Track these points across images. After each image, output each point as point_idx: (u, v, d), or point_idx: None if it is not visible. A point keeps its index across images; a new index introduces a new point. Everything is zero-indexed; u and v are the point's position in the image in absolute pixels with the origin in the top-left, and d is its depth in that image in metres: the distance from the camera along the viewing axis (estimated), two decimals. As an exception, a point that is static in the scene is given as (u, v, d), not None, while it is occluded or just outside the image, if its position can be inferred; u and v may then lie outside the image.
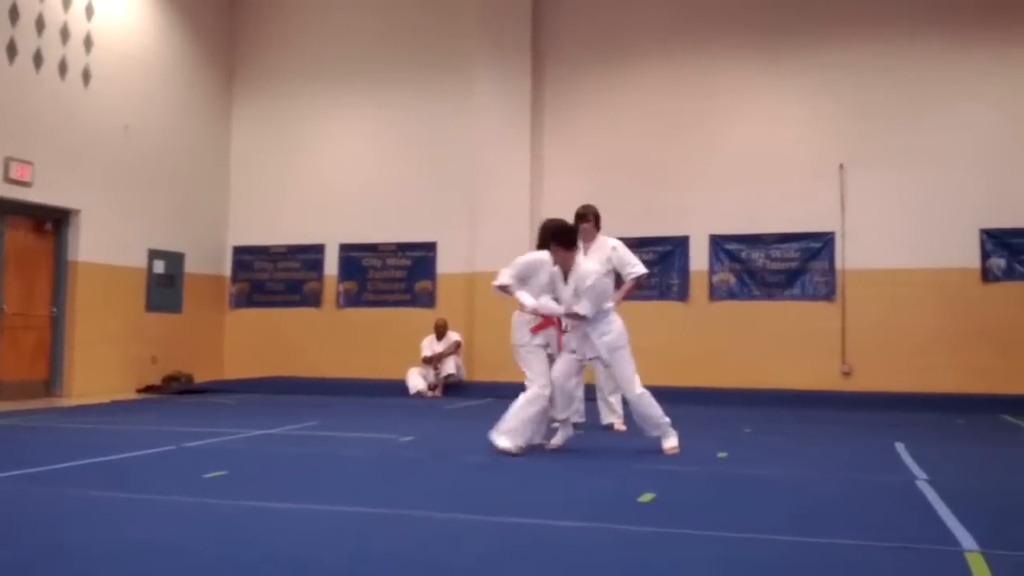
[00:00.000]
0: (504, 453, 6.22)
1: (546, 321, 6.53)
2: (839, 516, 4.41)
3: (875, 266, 11.81)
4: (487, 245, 12.88)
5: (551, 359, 6.60)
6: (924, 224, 11.68)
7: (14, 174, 10.72)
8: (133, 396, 11.84)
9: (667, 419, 6.43)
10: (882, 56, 12.05)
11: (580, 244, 7.92)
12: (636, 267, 7.88)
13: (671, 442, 6.41)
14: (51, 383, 11.59)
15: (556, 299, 6.50)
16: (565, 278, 6.39)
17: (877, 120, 11.97)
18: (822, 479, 5.45)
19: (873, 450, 6.84)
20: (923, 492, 4.96)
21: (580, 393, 8.03)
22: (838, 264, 11.99)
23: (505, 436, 6.28)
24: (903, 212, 11.78)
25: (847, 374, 11.84)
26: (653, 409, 6.39)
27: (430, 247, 13.56)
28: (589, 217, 7.90)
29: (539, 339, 6.61)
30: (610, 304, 6.55)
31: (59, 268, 11.73)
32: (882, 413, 9.82)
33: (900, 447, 6.85)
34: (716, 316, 12.39)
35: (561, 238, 6.38)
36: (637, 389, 6.37)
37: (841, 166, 12.01)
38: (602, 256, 7.84)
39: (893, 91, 11.95)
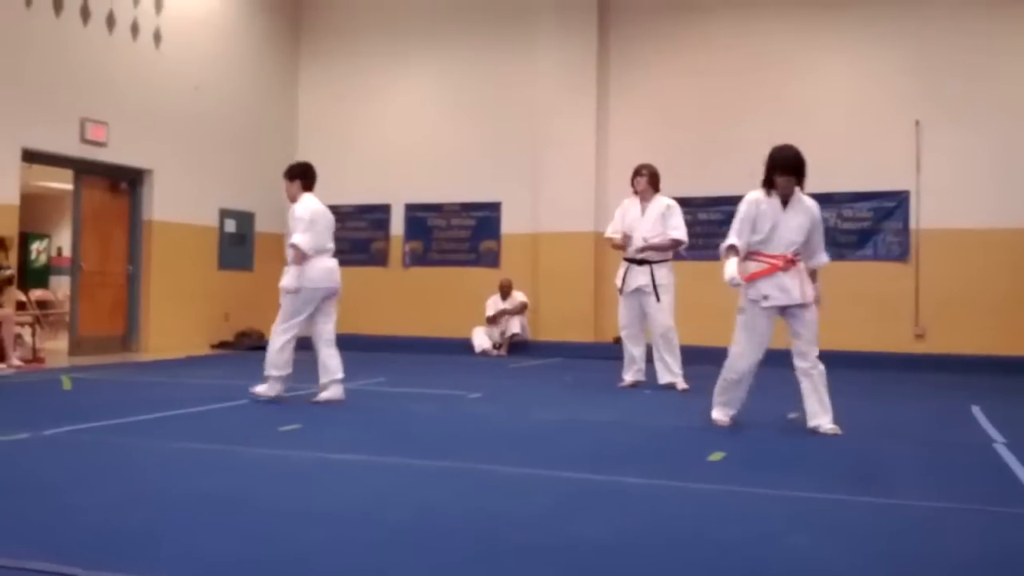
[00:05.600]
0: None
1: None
2: (914, 477, 4.35)
3: (951, 226, 11.46)
4: (551, 205, 12.85)
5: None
6: (1004, 182, 11.28)
7: (90, 134, 10.96)
8: (207, 352, 12.12)
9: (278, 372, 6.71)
10: (961, 7, 11.61)
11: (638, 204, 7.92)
12: (676, 231, 7.89)
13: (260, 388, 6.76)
14: (128, 339, 11.91)
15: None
16: None
17: (955, 75, 11.54)
18: (896, 441, 5.36)
19: (948, 412, 6.72)
20: (1001, 455, 4.85)
21: (639, 352, 8.03)
22: (912, 224, 11.67)
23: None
24: (981, 170, 11.39)
25: (920, 336, 11.58)
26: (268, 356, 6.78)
27: (495, 207, 13.55)
28: (643, 172, 7.94)
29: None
30: None
31: (134, 227, 12.00)
32: (956, 376, 9.61)
33: (976, 410, 6.70)
34: (785, 276, 12.15)
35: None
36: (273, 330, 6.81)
37: (917, 123, 11.65)
38: (656, 213, 7.88)
39: (972, 44, 11.50)
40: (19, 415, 5.93)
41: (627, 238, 7.94)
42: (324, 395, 6.75)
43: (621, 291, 7.94)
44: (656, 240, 7.81)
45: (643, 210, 7.93)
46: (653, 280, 7.76)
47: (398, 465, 4.41)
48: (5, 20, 10.11)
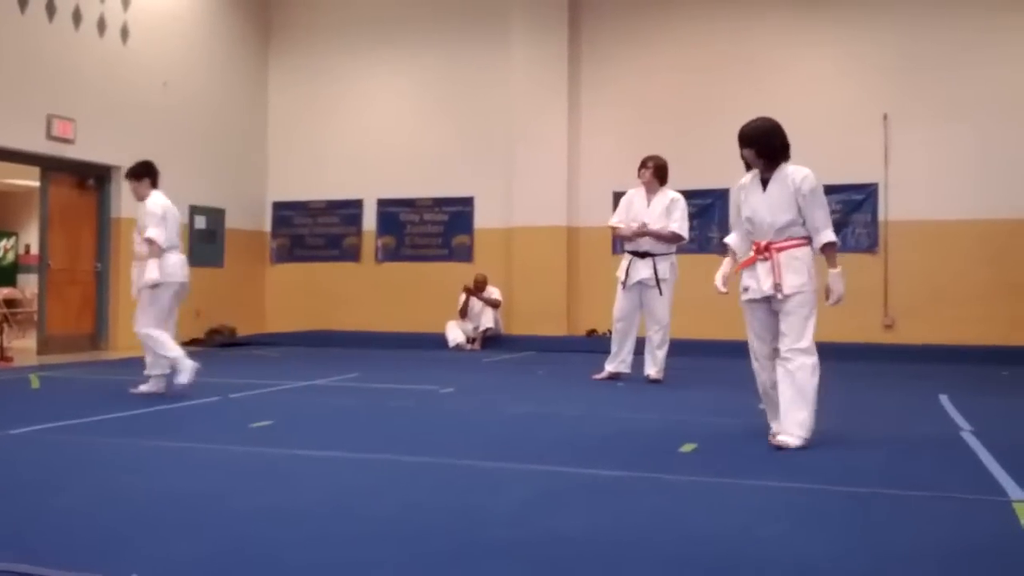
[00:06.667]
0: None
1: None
2: (884, 466, 4.39)
3: (919, 218, 11.60)
4: (524, 200, 12.87)
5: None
6: (971, 174, 11.43)
7: (56, 131, 10.82)
8: (177, 350, 12.00)
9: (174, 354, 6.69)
10: (929, 3, 11.72)
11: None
12: (675, 224, 7.88)
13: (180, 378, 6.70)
14: (97, 337, 11.79)
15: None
16: None
17: (923, 69, 11.67)
18: (865, 430, 5.42)
19: (917, 402, 6.80)
20: (968, 443, 4.92)
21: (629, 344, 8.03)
22: (881, 216, 11.80)
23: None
24: (950, 162, 11.53)
25: (889, 326, 11.71)
26: (162, 350, 6.70)
27: (467, 202, 13.54)
28: (648, 164, 7.95)
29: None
30: None
31: (102, 224, 11.87)
32: (925, 365, 9.72)
33: (944, 399, 6.79)
34: (756, 269, 12.23)
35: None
36: (141, 329, 6.75)
37: (885, 116, 11.77)
38: (661, 206, 7.90)
39: (940, 38, 11.63)
40: (-13, 415, 5.86)
41: (643, 227, 7.87)
42: (144, 387, 6.88)
43: (624, 284, 7.93)
44: (654, 228, 7.81)
45: (648, 202, 7.94)
46: (656, 273, 7.78)
47: (373, 461, 4.40)
48: (-32, 15, 9.98)
